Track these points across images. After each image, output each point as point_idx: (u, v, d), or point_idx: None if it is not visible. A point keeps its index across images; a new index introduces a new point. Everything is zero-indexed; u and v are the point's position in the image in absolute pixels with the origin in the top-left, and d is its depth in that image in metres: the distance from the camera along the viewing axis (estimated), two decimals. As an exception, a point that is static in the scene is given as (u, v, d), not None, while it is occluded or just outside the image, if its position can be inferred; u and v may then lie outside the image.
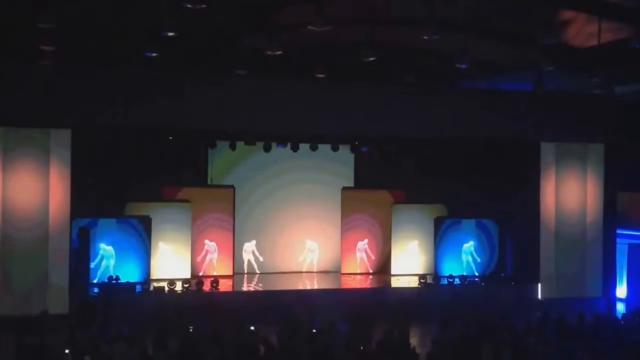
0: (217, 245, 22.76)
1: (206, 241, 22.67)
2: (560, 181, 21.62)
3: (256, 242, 23.62)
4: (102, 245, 20.64)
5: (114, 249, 20.81)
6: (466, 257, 23.17)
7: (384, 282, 22.72)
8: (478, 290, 21.29)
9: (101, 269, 20.48)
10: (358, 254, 23.79)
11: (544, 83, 19.23)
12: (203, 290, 19.93)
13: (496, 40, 18.52)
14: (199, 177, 23.35)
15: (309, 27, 14.26)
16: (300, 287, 21.98)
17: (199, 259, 22.56)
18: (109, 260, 20.66)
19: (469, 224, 23.33)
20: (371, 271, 23.86)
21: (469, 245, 23.19)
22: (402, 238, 23.66)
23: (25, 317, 16.32)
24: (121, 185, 21.28)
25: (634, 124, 21.40)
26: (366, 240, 23.83)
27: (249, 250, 23.53)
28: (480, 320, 15.04)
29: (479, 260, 23.18)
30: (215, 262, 22.62)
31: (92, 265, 20.01)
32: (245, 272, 23.41)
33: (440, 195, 23.59)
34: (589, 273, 21.63)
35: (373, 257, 23.93)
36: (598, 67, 16.81)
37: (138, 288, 19.87)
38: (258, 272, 23.52)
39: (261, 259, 23.63)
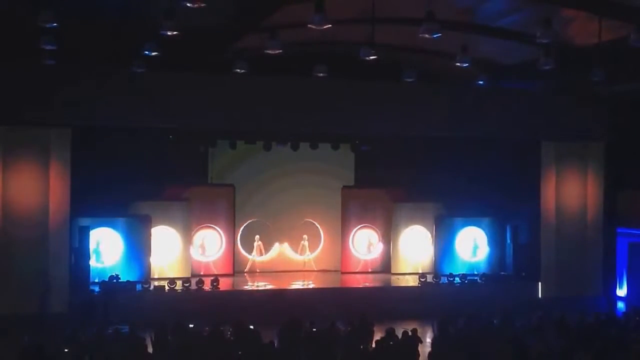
0: (217, 244, 22.77)
1: (206, 240, 22.69)
2: (560, 180, 21.58)
3: (256, 242, 23.64)
4: (101, 244, 20.64)
5: (114, 248, 20.83)
6: (466, 256, 23.18)
7: (384, 281, 22.71)
8: (478, 289, 21.27)
9: (98, 269, 20.50)
10: (364, 240, 23.85)
11: (544, 82, 19.21)
12: (203, 289, 19.94)
13: (497, 39, 18.51)
14: (199, 176, 23.35)
15: (309, 26, 14.23)
16: (300, 286, 21.98)
17: (198, 258, 22.59)
18: (100, 257, 20.68)
19: (469, 223, 23.34)
20: (371, 270, 23.87)
21: (470, 244, 23.18)
22: (403, 237, 23.66)
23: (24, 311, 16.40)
24: (121, 184, 21.21)
25: (634, 123, 21.35)
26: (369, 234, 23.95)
27: (255, 247, 23.56)
28: (480, 319, 15.02)
29: (479, 259, 23.18)
30: (215, 261, 22.69)
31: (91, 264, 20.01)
32: (246, 270, 23.43)
33: (440, 194, 23.57)
34: (590, 272, 21.60)
35: (375, 252, 23.98)
36: (598, 65, 16.74)
37: (138, 287, 19.86)
38: (258, 270, 23.53)
39: (263, 256, 23.71)
